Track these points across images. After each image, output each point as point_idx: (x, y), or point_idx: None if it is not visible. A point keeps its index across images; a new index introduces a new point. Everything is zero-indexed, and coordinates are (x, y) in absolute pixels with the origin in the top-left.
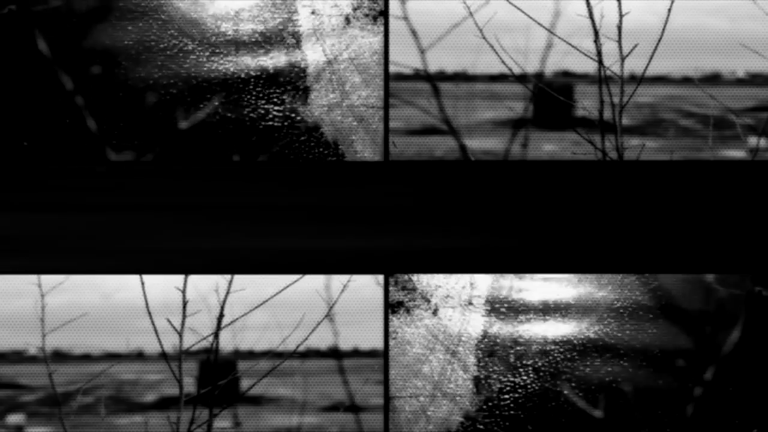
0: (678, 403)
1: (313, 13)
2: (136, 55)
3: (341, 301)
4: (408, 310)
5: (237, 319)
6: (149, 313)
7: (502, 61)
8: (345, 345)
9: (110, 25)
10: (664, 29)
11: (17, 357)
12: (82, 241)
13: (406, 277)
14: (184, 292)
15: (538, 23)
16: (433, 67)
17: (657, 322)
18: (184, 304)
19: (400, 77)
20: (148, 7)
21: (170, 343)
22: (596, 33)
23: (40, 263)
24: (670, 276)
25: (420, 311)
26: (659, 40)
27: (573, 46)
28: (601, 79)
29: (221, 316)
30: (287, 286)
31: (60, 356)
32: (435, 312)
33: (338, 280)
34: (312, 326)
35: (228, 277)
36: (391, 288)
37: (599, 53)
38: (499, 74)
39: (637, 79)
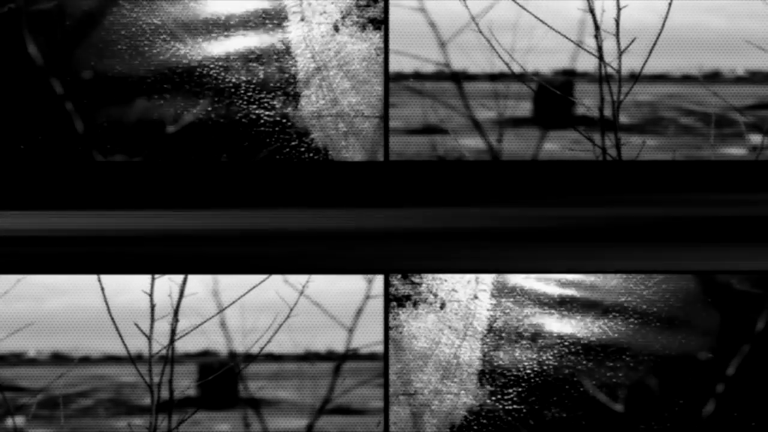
0: (689, 400)
1: (302, 20)
2: (129, 59)
3: (342, 303)
4: (415, 304)
5: (205, 321)
6: (112, 318)
7: (501, 59)
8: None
9: (102, 28)
10: (662, 27)
11: (16, 359)
12: None
13: None
14: (151, 296)
15: (539, 19)
16: (433, 66)
17: (662, 317)
18: (152, 307)
19: (400, 76)
20: (141, 11)
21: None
22: (597, 27)
23: None
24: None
25: (426, 305)
26: (658, 37)
27: (573, 42)
28: (602, 76)
29: (176, 321)
30: (251, 288)
31: (60, 359)
32: (442, 306)
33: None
34: (313, 328)
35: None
36: (396, 282)
37: (600, 48)
38: (500, 73)
39: (636, 77)
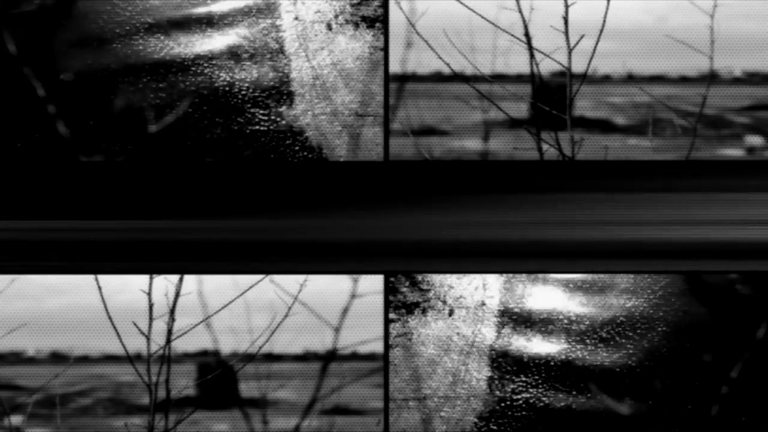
0: (699, 403)
1: (296, 19)
2: (125, 58)
3: (344, 304)
4: (424, 311)
5: (204, 320)
6: (110, 318)
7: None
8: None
9: (98, 27)
10: (604, 23)
11: (15, 358)
12: None
13: (419, 277)
14: (149, 295)
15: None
16: (430, 67)
17: (668, 322)
18: (150, 307)
19: (398, 78)
20: (135, 11)
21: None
22: (525, 26)
23: None
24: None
25: (435, 312)
26: (601, 30)
27: (517, 41)
28: (534, 75)
29: (172, 320)
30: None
31: (58, 358)
32: (451, 313)
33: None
34: (314, 328)
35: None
36: (404, 289)
37: (530, 45)
38: (496, 75)
39: (634, 78)
